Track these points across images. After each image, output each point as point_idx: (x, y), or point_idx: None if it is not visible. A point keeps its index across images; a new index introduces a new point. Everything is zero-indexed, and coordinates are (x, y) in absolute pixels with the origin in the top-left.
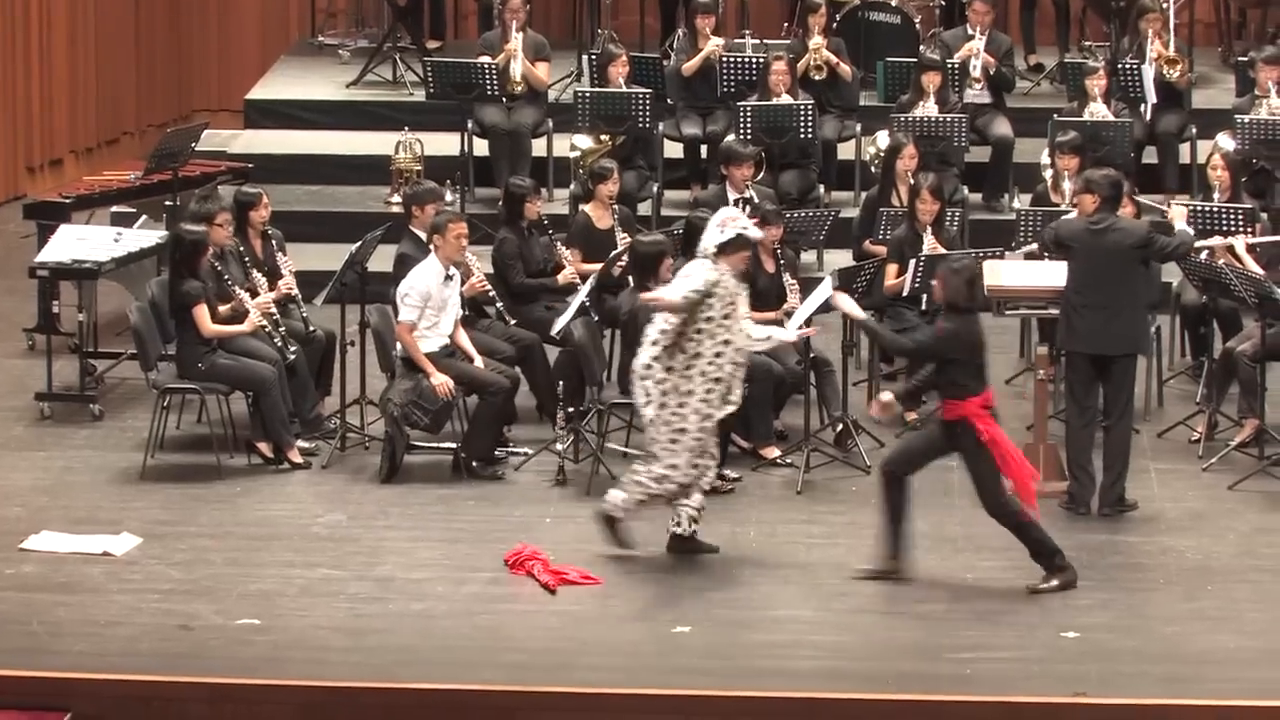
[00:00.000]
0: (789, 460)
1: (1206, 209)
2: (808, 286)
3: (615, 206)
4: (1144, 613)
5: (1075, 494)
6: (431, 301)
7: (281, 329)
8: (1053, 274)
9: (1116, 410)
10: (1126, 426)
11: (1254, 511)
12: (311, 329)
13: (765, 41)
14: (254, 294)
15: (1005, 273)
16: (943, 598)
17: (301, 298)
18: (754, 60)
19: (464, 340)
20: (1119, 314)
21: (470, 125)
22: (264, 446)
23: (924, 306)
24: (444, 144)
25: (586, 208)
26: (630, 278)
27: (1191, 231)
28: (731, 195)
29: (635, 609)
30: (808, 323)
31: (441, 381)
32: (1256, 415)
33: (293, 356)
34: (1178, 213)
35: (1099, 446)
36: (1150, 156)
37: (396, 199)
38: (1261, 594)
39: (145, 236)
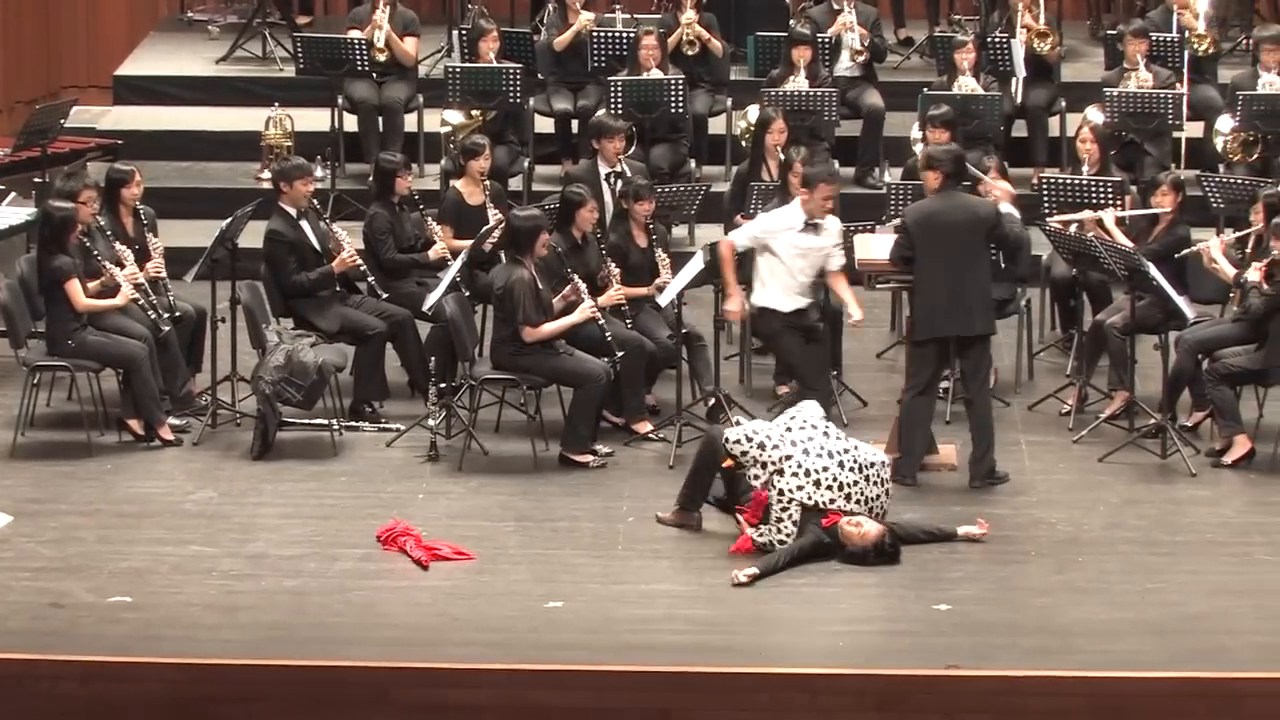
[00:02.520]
0: (661, 435)
1: (1076, 182)
2: (679, 261)
3: (487, 182)
4: (1015, 585)
5: (898, 464)
6: None
7: (153, 299)
8: None
9: (974, 385)
10: (986, 400)
11: (1124, 484)
12: (178, 313)
13: (636, 16)
14: (121, 267)
15: (876, 246)
16: (815, 572)
17: (168, 278)
18: (625, 35)
19: None
20: (967, 294)
21: (340, 101)
22: (135, 423)
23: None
24: (314, 120)
25: (457, 183)
26: (502, 253)
27: (1017, 214)
28: (603, 170)
29: (508, 584)
30: (680, 297)
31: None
32: (1126, 388)
33: (167, 328)
34: (1005, 190)
35: (961, 421)
36: (1020, 130)
37: (266, 175)
38: (1131, 565)
39: (13, 214)
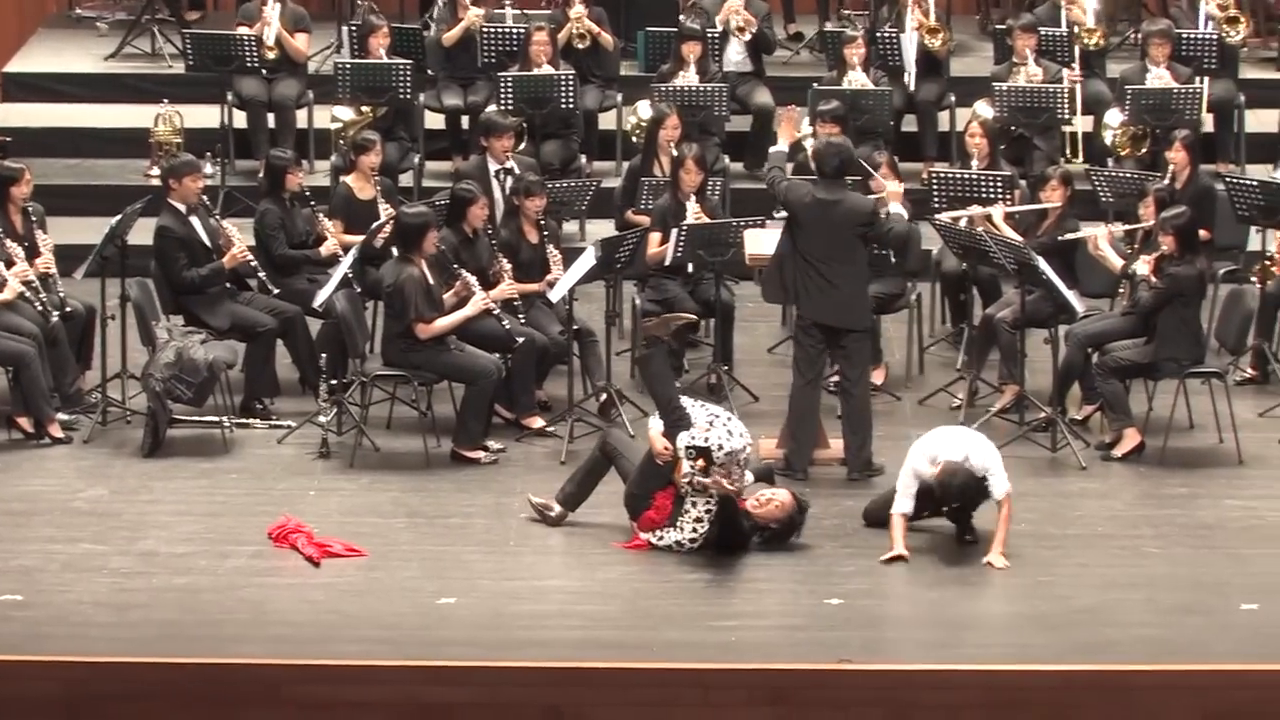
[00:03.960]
0: (553, 430)
1: (965, 177)
2: (570, 257)
3: (377, 178)
4: (907, 579)
5: (789, 458)
6: None
7: (42, 295)
8: None
9: (853, 377)
10: (865, 392)
11: (1014, 477)
12: (68, 309)
13: (526, 11)
14: (10, 265)
15: (766, 241)
16: (707, 566)
17: (58, 275)
18: (515, 30)
19: None
20: (841, 288)
21: (230, 98)
22: (24, 421)
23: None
24: (203, 116)
25: (348, 179)
26: (394, 249)
27: (905, 214)
28: (492, 167)
29: (400, 581)
30: (571, 293)
31: None
32: (1016, 381)
33: (55, 317)
34: (892, 190)
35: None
36: (910, 125)
37: (156, 172)
38: (1022, 559)
39: None
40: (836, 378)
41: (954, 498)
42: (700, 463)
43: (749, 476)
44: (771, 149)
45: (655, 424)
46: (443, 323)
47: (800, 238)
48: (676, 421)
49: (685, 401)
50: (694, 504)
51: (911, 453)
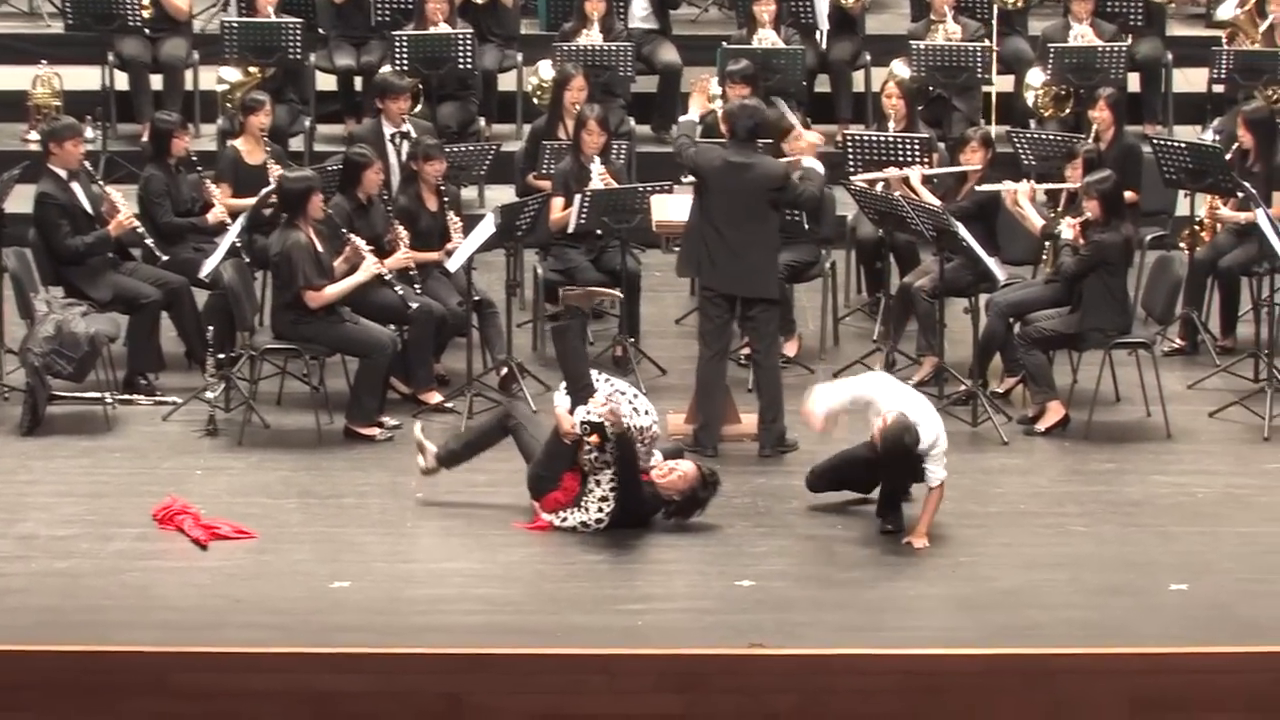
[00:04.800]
0: (451, 405)
1: (881, 139)
2: (469, 224)
3: (267, 142)
4: (820, 560)
5: (698, 434)
6: None
7: None
8: None
9: (762, 349)
10: (774, 367)
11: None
12: None
13: None
14: None
15: (674, 207)
16: (612, 548)
17: None
18: None
19: None
20: (748, 256)
21: (111, 58)
22: None
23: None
24: (84, 78)
25: (236, 143)
26: (283, 216)
27: (821, 169)
28: (387, 130)
29: (291, 564)
30: (470, 262)
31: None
32: (935, 353)
33: None
34: (809, 141)
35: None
36: (823, 85)
37: (34, 136)
38: (942, 538)
39: None
40: (746, 350)
41: (889, 457)
42: (595, 438)
43: (657, 455)
44: (681, 118)
45: (562, 400)
46: (333, 290)
47: (708, 204)
48: (585, 398)
49: (594, 377)
50: (598, 482)
51: (869, 379)
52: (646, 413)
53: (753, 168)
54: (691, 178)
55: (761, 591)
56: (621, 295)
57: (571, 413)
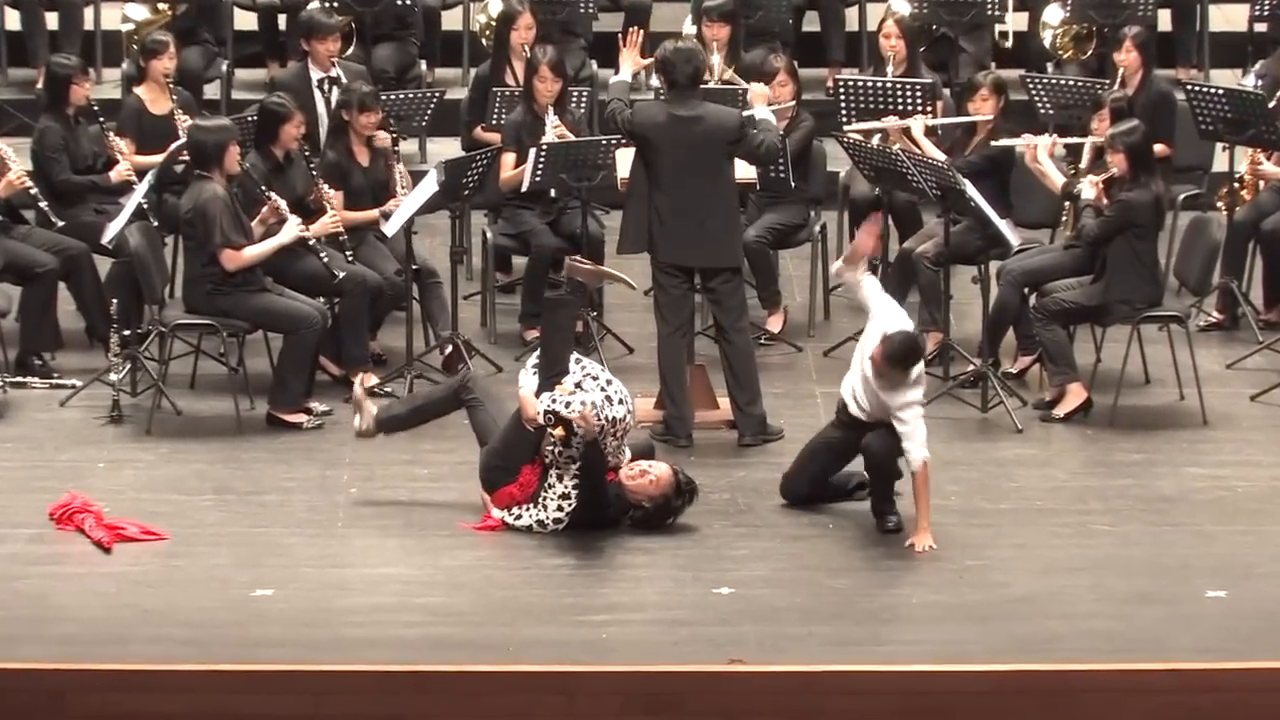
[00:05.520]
0: (388, 389)
1: (878, 85)
2: (410, 180)
3: (174, 88)
4: (809, 564)
5: (669, 421)
6: None
7: None
8: None
9: (729, 324)
10: (746, 342)
11: (938, 442)
12: None
13: None
14: None
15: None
16: (573, 550)
17: None
18: None
19: None
20: (705, 221)
21: None
22: None
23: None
24: None
25: (140, 90)
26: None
27: (774, 120)
28: (315, 75)
29: (207, 570)
30: (410, 226)
31: None
32: (939, 328)
33: None
34: (757, 92)
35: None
36: (812, 24)
37: None
38: (947, 539)
39: None
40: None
41: (890, 368)
42: (559, 431)
43: (627, 453)
44: (612, 79)
45: (528, 381)
46: (253, 251)
47: (655, 168)
48: (555, 384)
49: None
50: (559, 477)
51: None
52: (621, 401)
53: (702, 120)
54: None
55: (742, 600)
56: (634, 286)
57: (538, 396)
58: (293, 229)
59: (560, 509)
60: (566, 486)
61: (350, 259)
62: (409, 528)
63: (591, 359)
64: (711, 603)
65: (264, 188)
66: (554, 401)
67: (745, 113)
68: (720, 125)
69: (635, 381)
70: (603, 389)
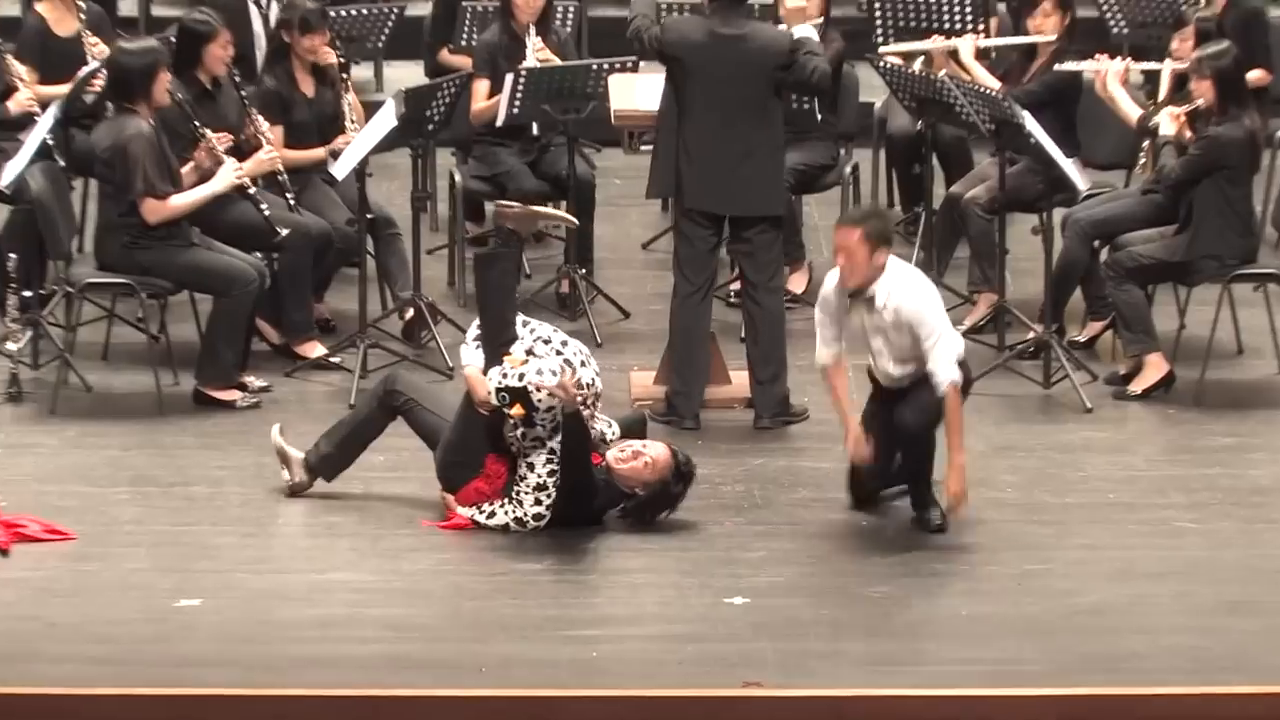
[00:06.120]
0: (338, 360)
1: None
2: (364, 113)
3: (82, 4)
4: (838, 568)
5: (673, 399)
6: None
7: None
8: None
9: (760, 284)
10: (777, 305)
11: (991, 424)
12: None
13: None
14: None
15: (640, 92)
16: (556, 552)
17: None
18: None
19: None
20: (745, 161)
21: None
22: None
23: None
24: None
25: (40, 7)
26: (109, 104)
27: (817, 37)
28: None
29: (123, 575)
30: (364, 167)
31: None
32: (993, 288)
33: None
34: (793, 6)
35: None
36: None
37: None
38: (1003, 539)
39: None
40: (736, 285)
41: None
42: (517, 409)
43: (610, 428)
44: None
45: (472, 355)
46: (181, 200)
47: (688, 96)
48: (502, 354)
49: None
50: (531, 467)
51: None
52: (584, 363)
53: (747, 40)
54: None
55: (759, 611)
56: (575, 222)
57: (486, 373)
58: (229, 174)
59: (539, 503)
60: (541, 475)
61: (293, 206)
62: (363, 526)
63: (578, 324)
64: (722, 615)
65: (198, 124)
66: (505, 376)
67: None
68: (768, 47)
69: (631, 352)
70: (559, 352)
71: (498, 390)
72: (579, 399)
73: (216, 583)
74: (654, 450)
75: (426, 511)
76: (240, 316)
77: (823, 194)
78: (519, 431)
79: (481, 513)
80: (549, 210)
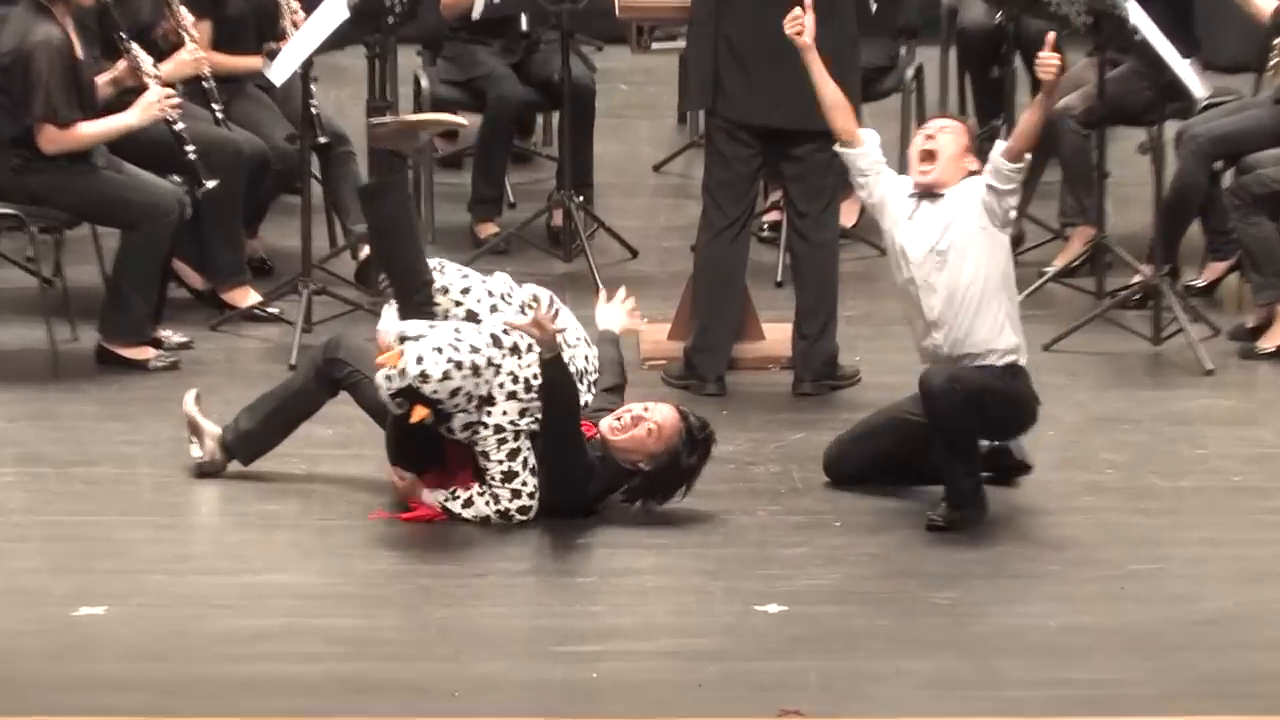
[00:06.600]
0: (276, 310)
1: None
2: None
3: None
4: (896, 568)
5: (694, 357)
6: None
7: None
8: None
9: (809, 213)
10: (827, 241)
11: (1087, 389)
12: None
13: None
14: None
15: None
16: (546, 550)
17: None
18: None
19: None
20: (792, 57)
21: None
22: None
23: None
24: None
25: None
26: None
27: None
28: None
29: (9, 578)
30: (308, 70)
31: None
32: (1090, 220)
33: None
34: None
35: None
36: None
37: None
38: (1103, 532)
39: None
40: (774, 217)
41: None
42: (419, 412)
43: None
44: None
45: (390, 323)
46: (89, 130)
47: None
48: (423, 312)
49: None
50: (486, 455)
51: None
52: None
53: None
54: None
55: (799, 622)
56: (464, 123)
57: (403, 341)
58: (152, 104)
59: (517, 494)
60: (505, 462)
61: (221, 120)
62: (306, 516)
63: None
64: (754, 626)
65: (122, 35)
66: (389, 379)
67: None
68: None
69: (641, 299)
70: (489, 296)
71: (392, 398)
72: (559, 337)
73: (125, 586)
74: (658, 414)
75: (385, 498)
76: (155, 256)
77: (878, 102)
78: (443, 429)
79: (455, 499)
80: (432, 116)
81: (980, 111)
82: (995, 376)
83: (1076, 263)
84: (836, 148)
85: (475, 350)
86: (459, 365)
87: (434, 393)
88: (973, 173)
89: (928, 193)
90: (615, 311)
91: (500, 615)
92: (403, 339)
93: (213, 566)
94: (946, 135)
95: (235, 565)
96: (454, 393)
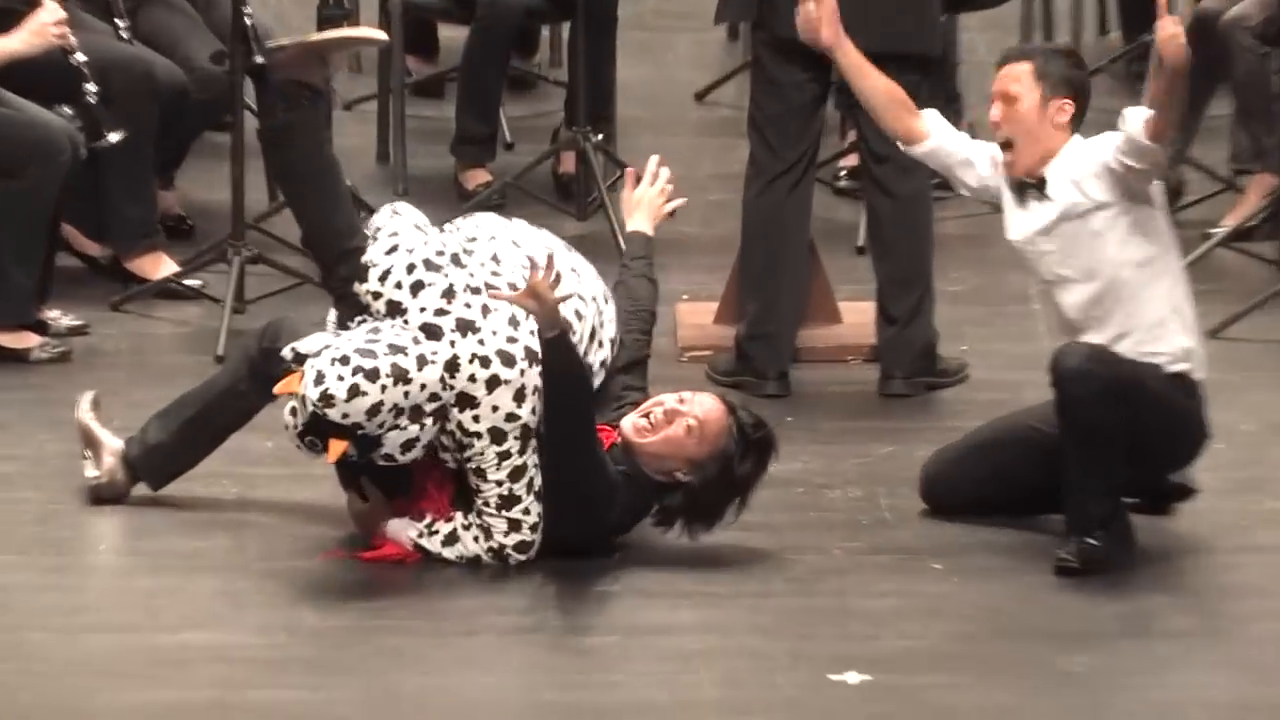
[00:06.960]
0: (198, 283)
1: None
2: None
3: None
4: (1015, 626)
5: (748, 347)
6: None
7: None
8: None
9: (892, 162)
10: (919, 194)
11: (1262, 389)
12: None
13: None
14: None
15: None
16: (551, 599)
17: None
18: None
19: None
20: None
21: None
22: None
23: None
24: None
25: None
26: None
27: None
28: None
29: None
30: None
31: None
32: (1271, 165)
33: None
34: None
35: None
36: None
37: None
38: (1277, 581)
39: None
40: (854, 161)
41: None
42: (334, 449)
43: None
44: None
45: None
46: None
47: None
48: (350, 292)
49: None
50: (504, 457)
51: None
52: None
53: None
54: None
55: (886, 696)
56: (384, 38)
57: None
58: (45, 27)
59: (516, 526)
60: (514, 485)
61: (125, 36)
62: (238, 555)
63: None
64: (827, 700)
65: None
66: (293, 413)
67: None
68: None
69: (677, 270)
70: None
71: (299, 437)
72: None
73: (5, 646)
74: (699, 406)
75: (341, 532)
76: (39, 212)
77: (989, 12)
78: (380, 461)
79: (433, 534)
80: (342, 33)
81: (1125, 25)
82: (1157, 378)
83: (1253, 221)
84: (899, 146)
85: (397, 350)
86: (372, 375)
87: (344, 417)
88: (1070, 110)
89: (1024, 183)
90: (647, 201)
91: (493, 686)
92: (299, 357)
93: (114, 621)
94: (1012, 98)
95: (145, 621)
96: (373, 411)
